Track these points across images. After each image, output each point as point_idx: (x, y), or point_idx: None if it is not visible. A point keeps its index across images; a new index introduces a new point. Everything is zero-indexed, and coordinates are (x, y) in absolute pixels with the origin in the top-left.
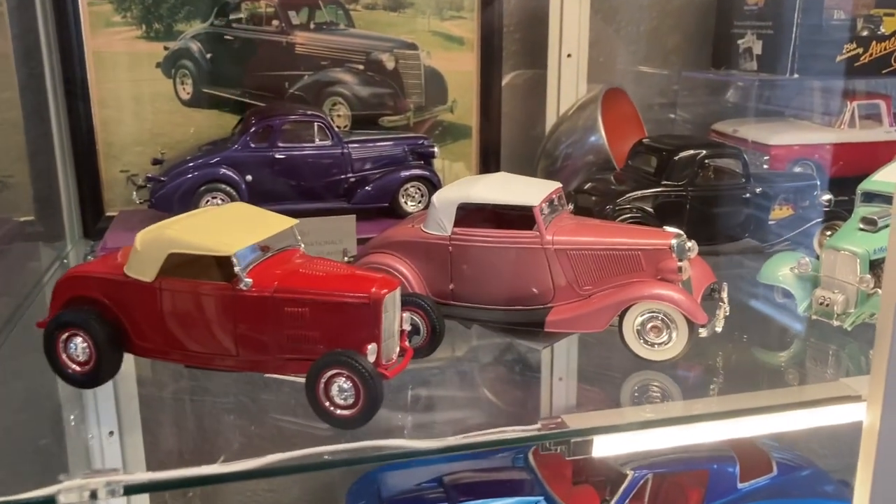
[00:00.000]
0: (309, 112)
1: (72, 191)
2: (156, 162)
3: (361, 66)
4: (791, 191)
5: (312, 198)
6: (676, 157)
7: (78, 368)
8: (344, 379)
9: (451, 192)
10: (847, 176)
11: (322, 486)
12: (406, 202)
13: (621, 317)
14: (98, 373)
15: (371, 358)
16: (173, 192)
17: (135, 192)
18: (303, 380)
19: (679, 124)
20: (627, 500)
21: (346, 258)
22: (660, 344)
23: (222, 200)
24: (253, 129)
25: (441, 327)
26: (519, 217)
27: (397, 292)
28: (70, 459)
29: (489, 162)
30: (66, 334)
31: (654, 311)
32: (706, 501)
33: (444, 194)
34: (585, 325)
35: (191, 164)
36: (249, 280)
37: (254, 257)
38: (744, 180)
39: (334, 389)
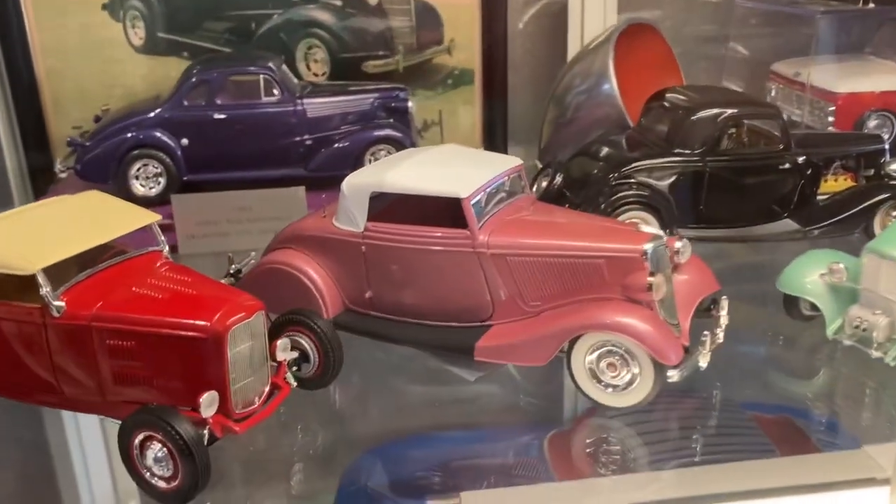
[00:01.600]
0: (252, 64)
1: (19, 151)
2: (98, 120)
3: (339, 2)
4: (851, 156)
5: (261, 164)
6: (692, 118)
7: None
8: (158, 446)
9: (362, 177)
10: None
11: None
12: None
13: (570, 347)
14: None
15: (209, 411)
16: (100, 158)
17: (58, 160)
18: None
19: (731, 64)
20: None
21: None
22: (617, 387)
23: (156, 168)
24: (187, 84)
25: (336, 352)
26: (449, 210)
27: (256, 319)
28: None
29: (495, 113)
30: None
31: (611, 344)
32: None
33: (353, 179)
34: (522, 357)
35: (118, 125)
36: (61, 304)
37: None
38: (781, 146)
39: (149, 457)
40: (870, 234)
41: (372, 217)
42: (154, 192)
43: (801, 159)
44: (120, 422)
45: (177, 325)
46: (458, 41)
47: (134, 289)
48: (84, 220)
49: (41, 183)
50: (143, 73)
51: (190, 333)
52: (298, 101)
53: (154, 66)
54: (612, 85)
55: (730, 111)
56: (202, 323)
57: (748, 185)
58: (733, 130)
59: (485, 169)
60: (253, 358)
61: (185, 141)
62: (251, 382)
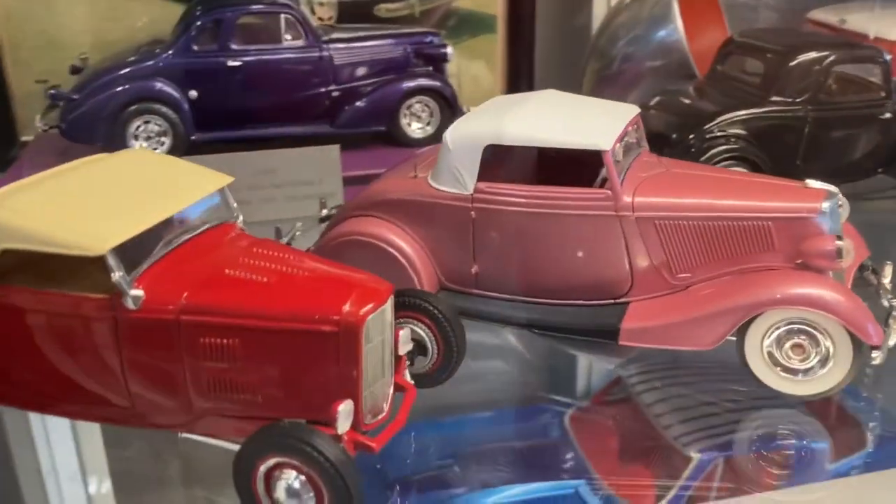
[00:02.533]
0: (274, 1)
1: None
2: (75, 70)
3: None
4: None
5: (282, 120)
6: (793, 63)
7: None
8: (294, 474)
9: (472, 127)
10: None
11: None
12: (409, 123)
13: (743, 328)
14: None
15: (344, 425)
16: (91, 114)
17: (38, 116)
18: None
19: (763, 10)
20: (692, 487)
21: (323, 211)
22: (805, 371)
23: (159, 125)
24: (196, 25)
25: (460, 343)
26: (578, 165)
27: (389, 305)
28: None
29: (520, 64)
30: None
31: (797, 322)
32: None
33: (461, 131)
34: (683, 339)
35: (112, 75)
36: (139, 293)
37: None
38: (883, 94)
39: (281, 489)
40: None
41: (482, 175)
42: (157, 153)
43: None
44: (206, 439)
45: (297, 316)
46: None
47: (227, 271)
48: (143, 184)
49: (2, 140)
50: (120, 17)
51: (316, 327)
52: (324, 45)
53: (130, 8)
54: (674, 28)
55: (836, 53)
56: (331, 313)
57: (848, 137)
58: (826, 81)
59: (612, 117)
60: (384, 354)
61: (193, 93)
62: (379, 385)
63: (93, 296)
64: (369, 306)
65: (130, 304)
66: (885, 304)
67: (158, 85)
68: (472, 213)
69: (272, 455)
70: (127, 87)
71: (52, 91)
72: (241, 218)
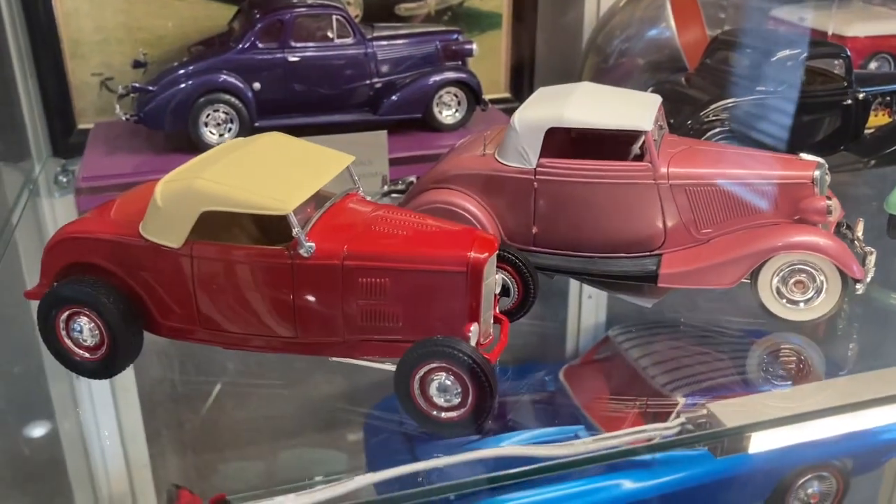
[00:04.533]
0: (326, 2)
1: (34, 99)
2: (137, 65)
3: None
4: (889, 93)
5: (332, 109)
6: (774, 59)
7: (87, 355)
8: (445, 374)
9: (536, 113)
10: None
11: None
12: (440, 111)
13: (756, 270)
14: (113, 359)
15: (473, 341)
16: (165, 104)
17: (117, 105)
18: (384, 366)
19: (730, 9)
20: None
21: (384, 187)
22: (805, 301)
23: (226, 114)
24: (260, 24)
25: (535, 285)
26: (620, 144)
27: (496, 254)
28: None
29: (522, 58)
30: (68, 313)
31: (798, 264)
32: None
33: (528, 115)
34: (710, 280)
35: (185, 69)
36: (311, 245)
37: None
38: (845, 84)
39: (433, 388)
40: None
41: (542, 152)
42: (227, 138)
43: (861, 96)
44: (353, 360)
45: (434, 260)
46: None
47: (373, 227)
48: (292, 161)
49: (57, 133)
50: (168, 15)
51: (449, 268)
52: (369, 43)
53: (181, 8)
54: (668, 26)
55: (809, 51)
56: (460, 258)
57: (817, 121)
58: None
59: (645, 105)
60: (492, 292)
61: (256, 85)
62: (489, 314)
63: (273, 248)
64: (486, 253)
65: (305, 254)
66: (860, 251)
67: (226, 77)
68: (535, 183)
69: (429, 362)
70: (197, 80)
71: (134, 84)
72: (361, 188)
